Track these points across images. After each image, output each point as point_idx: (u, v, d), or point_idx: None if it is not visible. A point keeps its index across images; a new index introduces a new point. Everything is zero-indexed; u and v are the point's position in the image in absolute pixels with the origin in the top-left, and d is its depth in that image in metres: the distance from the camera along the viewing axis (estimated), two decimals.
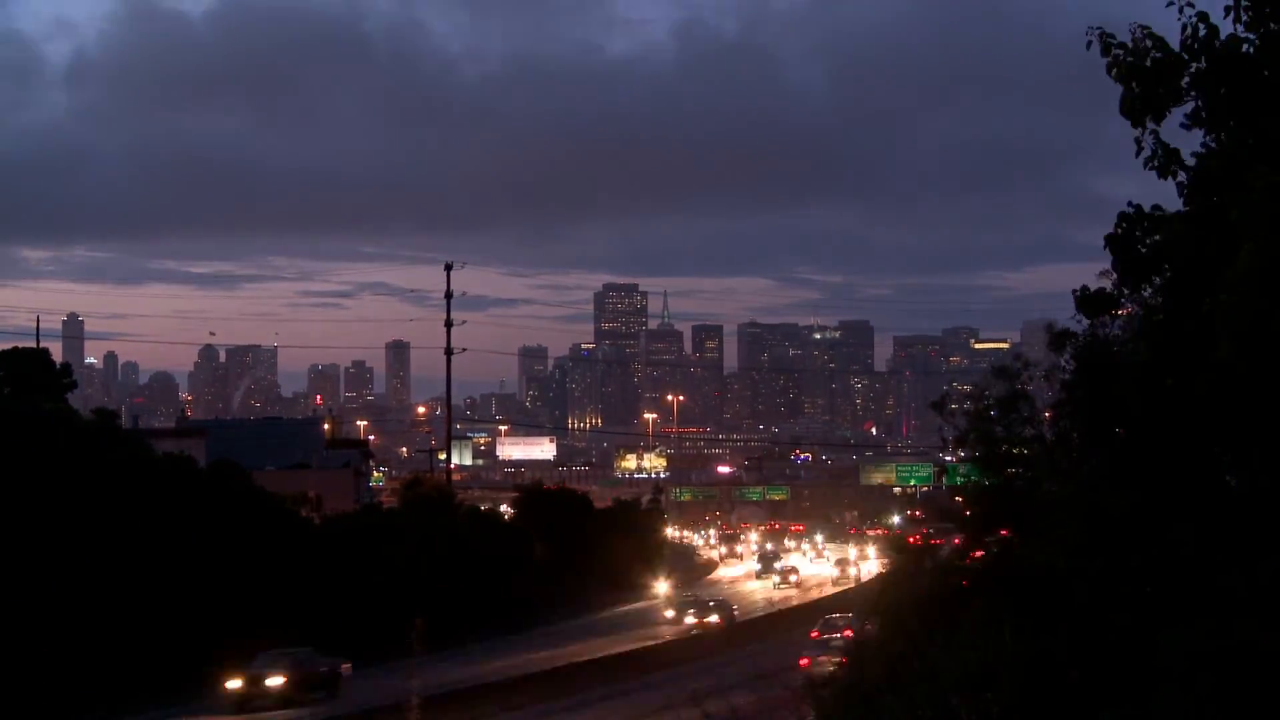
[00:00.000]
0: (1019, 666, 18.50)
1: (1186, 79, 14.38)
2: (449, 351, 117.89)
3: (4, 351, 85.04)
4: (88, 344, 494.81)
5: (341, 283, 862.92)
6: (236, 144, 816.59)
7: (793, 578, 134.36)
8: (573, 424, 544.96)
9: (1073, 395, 21.02)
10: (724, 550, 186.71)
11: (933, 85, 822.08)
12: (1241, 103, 14.29)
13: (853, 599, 79.40)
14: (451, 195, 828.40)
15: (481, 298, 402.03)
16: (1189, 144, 15.01)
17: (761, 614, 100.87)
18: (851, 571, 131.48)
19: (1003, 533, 28.15)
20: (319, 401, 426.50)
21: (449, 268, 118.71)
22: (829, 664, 47.12)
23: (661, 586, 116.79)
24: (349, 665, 63.68)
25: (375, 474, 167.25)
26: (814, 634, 66.39)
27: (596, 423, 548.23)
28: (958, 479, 37.71)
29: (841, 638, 57.74)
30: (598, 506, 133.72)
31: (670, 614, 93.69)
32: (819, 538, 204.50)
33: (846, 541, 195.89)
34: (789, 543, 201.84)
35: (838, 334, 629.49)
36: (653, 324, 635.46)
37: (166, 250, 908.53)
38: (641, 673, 65.88)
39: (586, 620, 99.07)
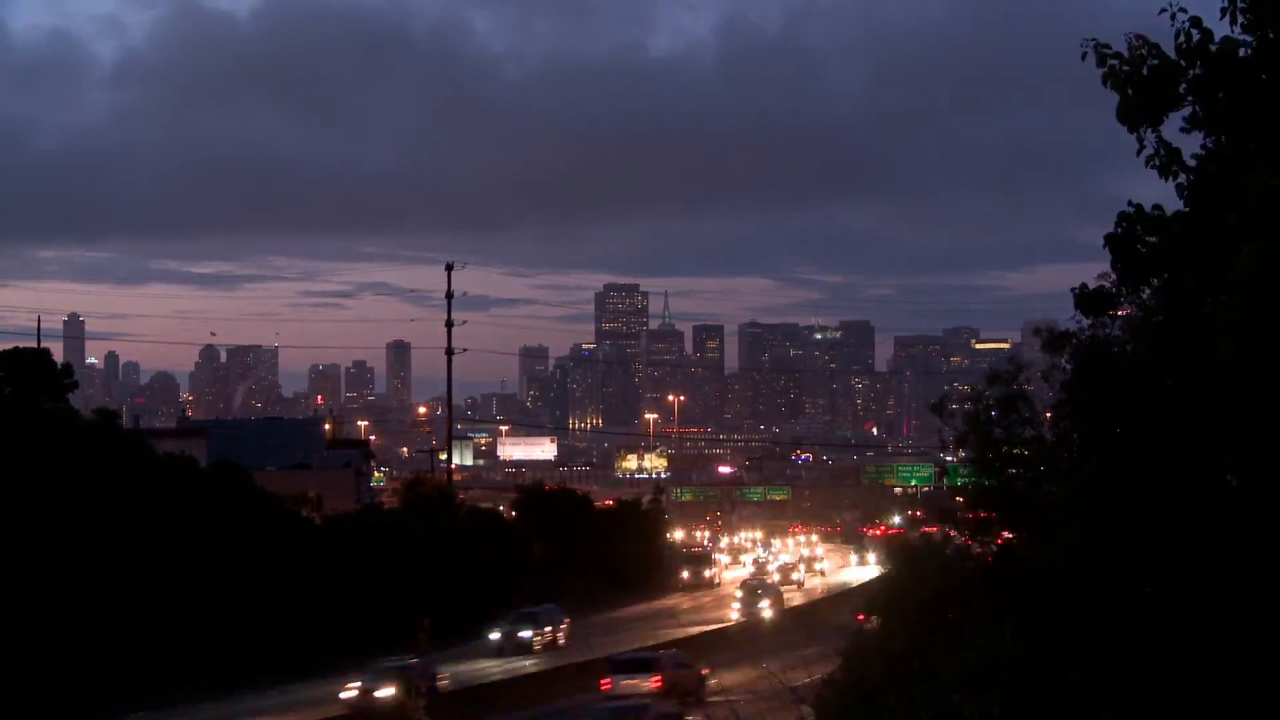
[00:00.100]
0: (1019, 666, 18.51)
1: (1184, 85, 14.39)
2: (450, 351, 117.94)
3: (5, 351, 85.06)
4: (89, 344, 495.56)
5: (343, 283, 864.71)
6: (262, 144, 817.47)
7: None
8: (573, 424, 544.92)
9: (1072, 395, 21.02)
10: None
11: (966, 86, 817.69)
12: (1239, 105, 14.30)
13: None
14: (464, 195, 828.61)
15: (483, 298, 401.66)
16: (1191, 145, 15.02)
17: None
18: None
19: (1002, 533, 28.17)
20: (320, 402, 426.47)
21: (449, 268, 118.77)
22: None
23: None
24: None
25: (376, 474, 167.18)
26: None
27: (597, 423, 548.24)
28: (958, 479, 37.71)
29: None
30: (598, 507, 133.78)
31: None
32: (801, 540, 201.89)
33: (848, 542, 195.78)
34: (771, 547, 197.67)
35: (838, 334, 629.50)
36: (653, 324, 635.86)
37: (168, 250, 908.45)
38: None
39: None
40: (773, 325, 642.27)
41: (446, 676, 62.26)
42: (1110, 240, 15.73)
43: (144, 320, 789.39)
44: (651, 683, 54.25)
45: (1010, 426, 27.78)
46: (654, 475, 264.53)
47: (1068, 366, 22.19)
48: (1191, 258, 14.75)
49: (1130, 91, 14.35)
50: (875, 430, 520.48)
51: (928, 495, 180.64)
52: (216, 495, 72.83)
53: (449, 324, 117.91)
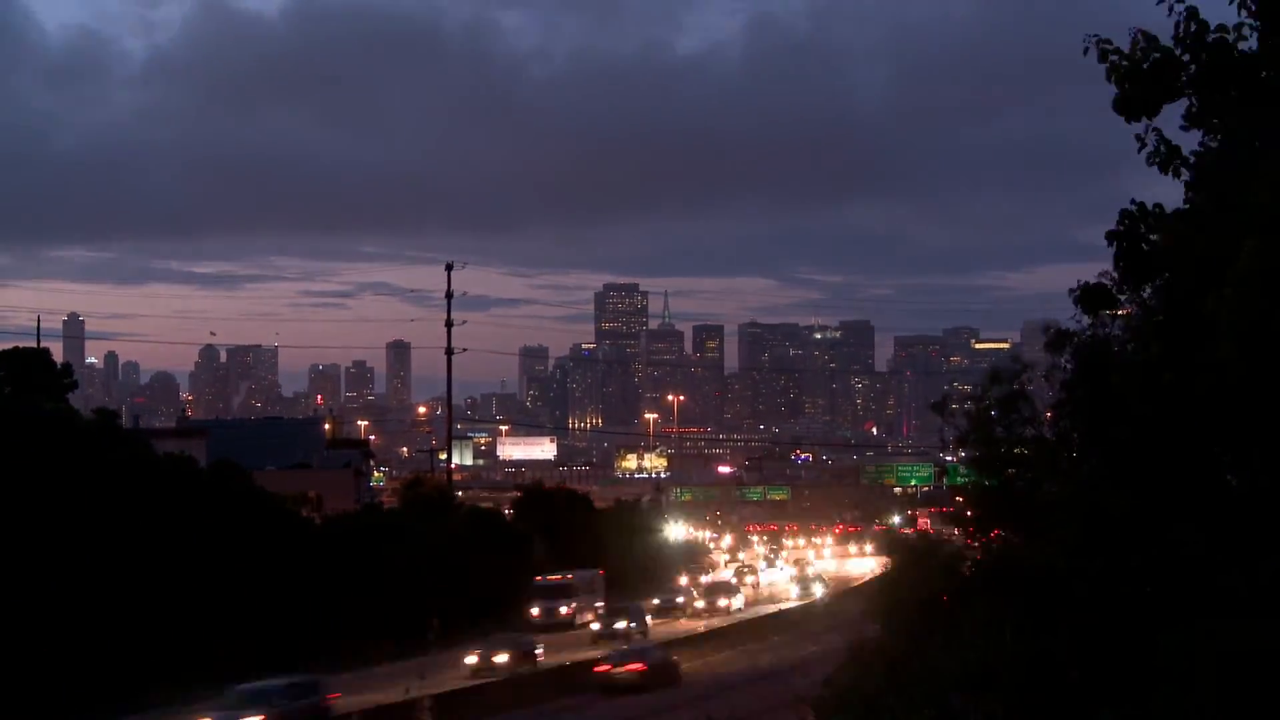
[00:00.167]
0: (1019, 666, 18.51)
1: (1184, 77, 14.38)
2: (449, 351, 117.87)
3: (4, 351, 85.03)
4: (89, 344, 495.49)
5: (343, 283, 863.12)
6: (269, 144, 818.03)
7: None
8: (573, 424, 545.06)
9: (1073, 395, 21.00)
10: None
11: (983, 86, 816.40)
12: (1240, 99, 14.28)
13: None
14: (470, 196, 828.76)
15: (483, 298, 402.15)
16: (1191, 142, 15.01)
17: None
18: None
19: (999, 534, 28.16)
20: (320, 401, 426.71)
21: (449, 268, 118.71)
22: None
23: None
24: None
25: (376, 474, 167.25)
26: None
27: (597, 423, 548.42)
28: (958, 479, 37.71)
29: None
30: (598, 506, 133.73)
31: None
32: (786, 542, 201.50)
33: (845, 541, 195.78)
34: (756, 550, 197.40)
35: (838, 334, 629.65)
36: (653, 324, 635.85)
37: (169, 250, 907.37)
38: None
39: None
40: (773, 325, 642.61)
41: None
42: (1112, 237, 15.71)
43: (144, 320, 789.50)
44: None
45: (1011, 426, 27.76)
46: (654, 475, 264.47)
47: (1068, 366, 22.17)
48: (1192, 255, 14.72)
49: (1128, 85, 14.36)
50: (875, 430, 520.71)
51: (928, 495, 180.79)
52: (216, 495, 72.79)
53: (449, 324, 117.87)
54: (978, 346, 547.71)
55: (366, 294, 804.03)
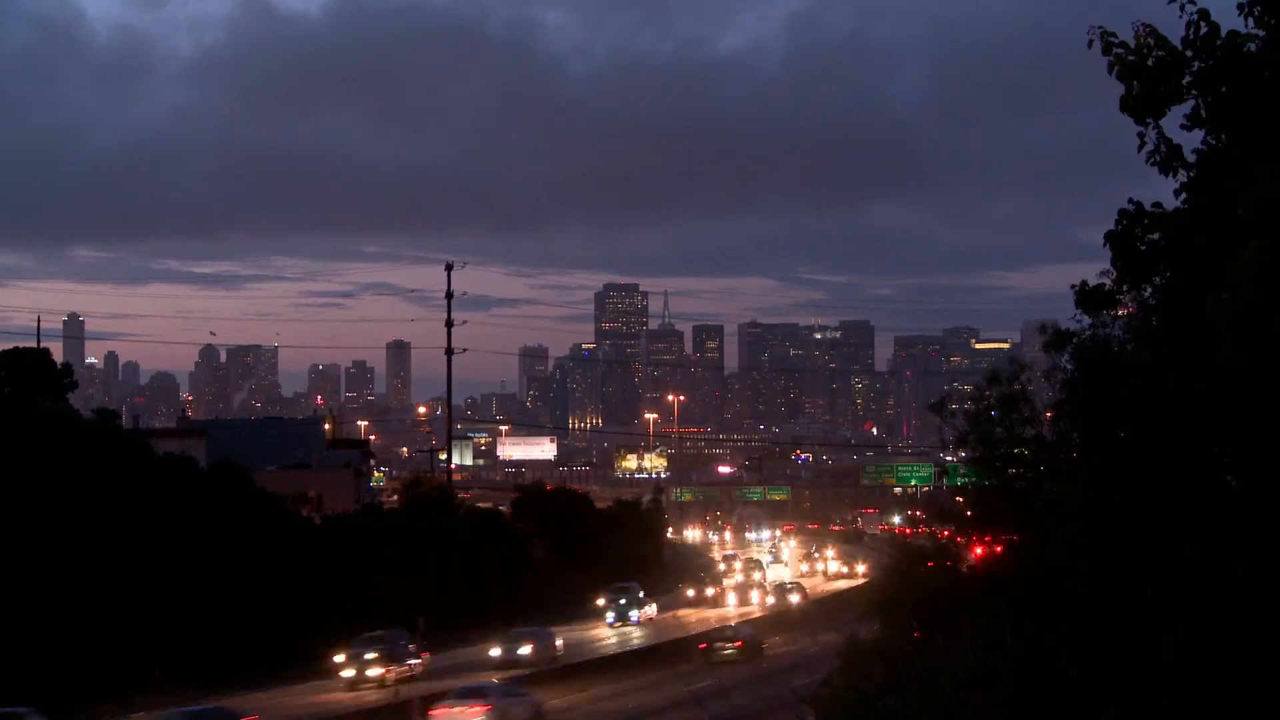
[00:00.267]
0: (1019, 666, 18.51)
1: (1188, 77, 14.36)
2: (449, 351, 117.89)
3: (5, 351, 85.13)
4: (88, 344, 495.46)
5: (344, 283, 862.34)
6: (274, 144, 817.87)
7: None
8: (573, 424, 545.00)
9: (1073, 395, 21.02)
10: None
11: (1025, 86, 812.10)
12: (1243, 101, 14.27)
13: None
14: (475, 196, 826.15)
15: (483, 298, 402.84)
16: (1191, 142, 15.00)
17: None
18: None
19: (1001, 534, 28.17)
20: (320, 401, 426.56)
21: (449, 268, 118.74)
22: None
23: None
24: None
25: (376, 474, 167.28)
26: None
27: (597, 423, 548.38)
28: (959, 479, 37.72)
29: None
30: (598, 506, 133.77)
31: None
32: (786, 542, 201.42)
33: (848, 542, 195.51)
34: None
35: (838, 334, 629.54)
36: (653, 324, 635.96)
37: (170, 250, 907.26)
38: None
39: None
40: (773, 325, 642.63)
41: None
42: (1111, 237, 15.71)
43: (144, 320, 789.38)
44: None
45: (1010, 426, 27.79)
46: (654, 475, 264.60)
47: (1068, 366, 22.19)
48: (1191, 255, 14.72)
49: (1136, 83, 14.33)
50: (875, 430, 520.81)
51: (928, 495, 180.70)
52: (217, 495, 72.79)
53: (449, 324, 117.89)
54: (978, 346, 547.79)
55: (367, 294, 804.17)
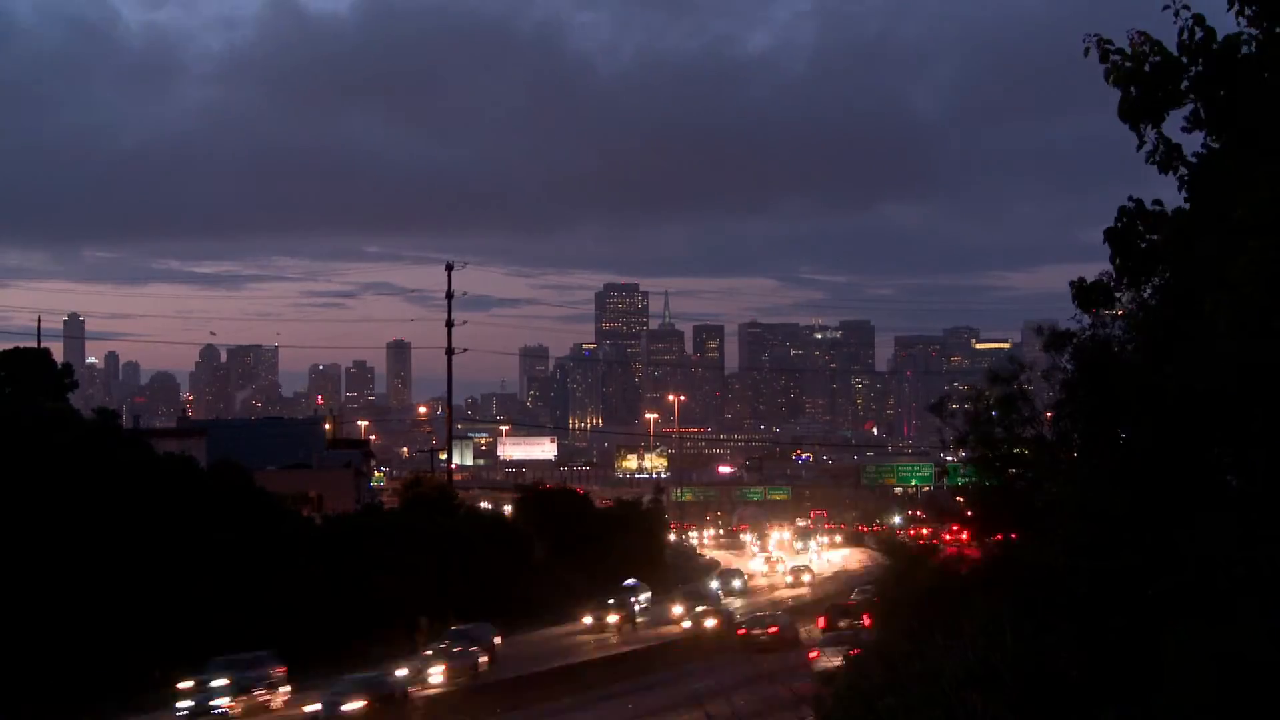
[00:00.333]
0: (1019, 666, 18.51)
1: (1186, 82, 14.36)
2: (450, 351, 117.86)
3: (5, 351, 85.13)
4: (89, 344, 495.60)
5: (345, 283, 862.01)
6: (277, 144, 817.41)
7: None
8: (574, 424, 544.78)
9: (1073, 395, 21.02)
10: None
11: (1050, 85, 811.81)
12: (1241, 103, 14.27)
13: None
14: (477, 197, 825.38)
15: (484, 298, 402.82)
16: (1191, 143, 14.99)
17: None
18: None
19: (1000, 534, 28.16)
20: (320, 401, 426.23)
21: (450, 268, 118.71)
22: None
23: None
24: None
25: (376, 474, 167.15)
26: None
27: (597, 423, 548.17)
28: (959, 479, 37.71)
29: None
30: (599, 506, 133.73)
31: None
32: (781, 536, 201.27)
33: (849, 542, 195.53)
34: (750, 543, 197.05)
35: (839, 334, 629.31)
36: (654, 324, 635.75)
37: (170, 250, 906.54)
38: None
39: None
40: (773, 325, 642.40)
41: None
42: (1110, 234, 15.71)
43: (145, 320, 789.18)
44: None
45: (1010, 426, 27.77)
46: (654, 475, 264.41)
47: (1068, 366, 22.19)
48: (1191, 254, 14.72)
49: (1132, 89, 14.33)
50: (875, 430, 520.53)
51: (928, 495, 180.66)
52: (217, 495, 72.80)
53: (449, 324, 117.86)
54: (978, 346, 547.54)
55: (368, 294, 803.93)
